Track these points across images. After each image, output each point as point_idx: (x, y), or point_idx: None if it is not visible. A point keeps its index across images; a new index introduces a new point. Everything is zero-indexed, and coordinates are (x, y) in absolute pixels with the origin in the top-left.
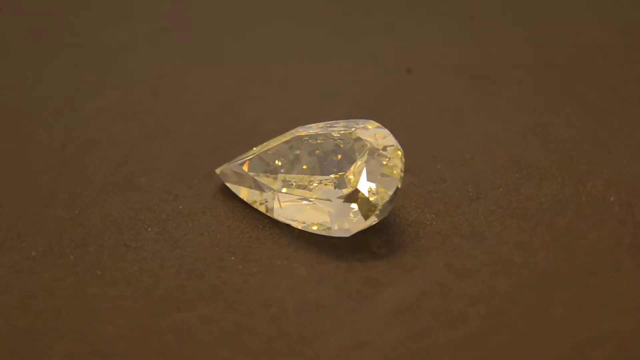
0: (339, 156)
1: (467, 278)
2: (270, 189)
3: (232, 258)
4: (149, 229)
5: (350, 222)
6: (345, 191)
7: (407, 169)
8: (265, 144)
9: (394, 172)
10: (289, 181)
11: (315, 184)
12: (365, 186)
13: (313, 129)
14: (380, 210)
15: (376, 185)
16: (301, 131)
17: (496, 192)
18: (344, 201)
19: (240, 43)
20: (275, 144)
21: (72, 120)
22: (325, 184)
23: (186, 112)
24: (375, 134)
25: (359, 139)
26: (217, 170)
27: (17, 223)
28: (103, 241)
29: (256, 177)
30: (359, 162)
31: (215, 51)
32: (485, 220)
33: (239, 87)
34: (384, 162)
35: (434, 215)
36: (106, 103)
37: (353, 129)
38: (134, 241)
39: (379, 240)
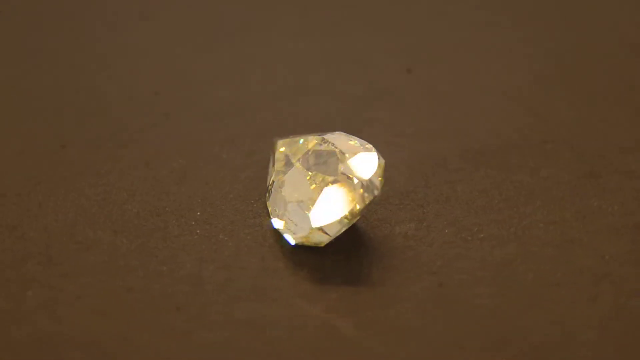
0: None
1: None
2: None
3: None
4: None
5: (295, 237)
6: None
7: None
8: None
9: (350, 199)
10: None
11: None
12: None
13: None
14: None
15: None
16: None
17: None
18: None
19: (239, 43)
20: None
21: (72, 120)
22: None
23: (187, 112)
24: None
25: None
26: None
27: (18, 224)
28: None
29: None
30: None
31: (215, 52)
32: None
33: (238, 86)
34: (345, 190)
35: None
36: (106, 103)
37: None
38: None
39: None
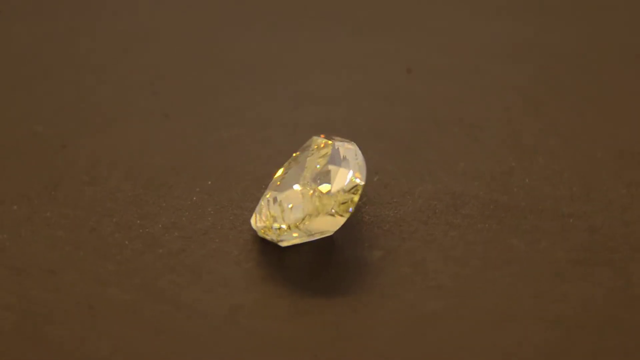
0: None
1: None
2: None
3: None
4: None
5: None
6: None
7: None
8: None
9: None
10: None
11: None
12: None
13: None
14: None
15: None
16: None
17: None
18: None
19: (236, 42)
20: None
21: (72, 120)
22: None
23: (187, 111)
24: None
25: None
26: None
27: (17, 224)
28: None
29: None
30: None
31: (213, 52)
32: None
33: (236, 87)
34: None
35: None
36: (107, 103)
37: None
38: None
39: None
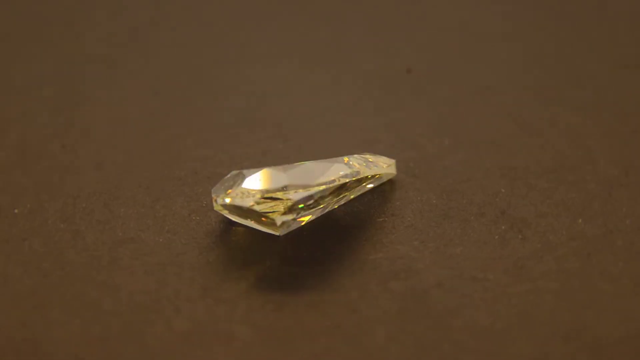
0: None
1: None
2: None
3: None
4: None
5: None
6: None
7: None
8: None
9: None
10: None
11: None
12: None
13: None
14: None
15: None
16: None
17: None
18: None
19: (234, 42)
20: None
21: (72, 120)
22: None
23: (187, 109)
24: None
25: None
26: None
27: (16, 223)
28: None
29: None
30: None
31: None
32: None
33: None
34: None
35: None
36: (107, 103)
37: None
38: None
39: None
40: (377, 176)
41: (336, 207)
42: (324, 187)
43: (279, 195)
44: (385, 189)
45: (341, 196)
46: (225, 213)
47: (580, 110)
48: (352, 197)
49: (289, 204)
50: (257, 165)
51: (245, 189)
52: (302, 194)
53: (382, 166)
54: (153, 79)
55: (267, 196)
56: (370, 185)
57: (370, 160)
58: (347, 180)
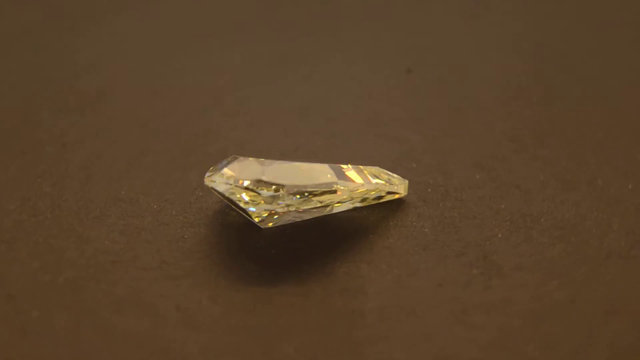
0: None
1: None
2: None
3: None
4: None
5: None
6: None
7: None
8: None
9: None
10: None
11: None
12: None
13: None
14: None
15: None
16: None
17: None
18: None
19: (233, 41)
20: None
21: (72, 120)
22: None
23: (188, 109)
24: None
25: None
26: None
27: (15, 225)
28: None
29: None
30: None
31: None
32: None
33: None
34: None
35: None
36: (107, 103)
37: None
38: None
39: None
40: (381, 192)
41: (334, 211)
42: (295, 189)
43: (249, 186)
44: (391, 206)
45: (328, 203)
46: (216, 194)
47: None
48: (353, 205)
49: (261, 198)
50: (280, 157)
51: (222, 174)
52: (271, 192)
53: (391, 184)
54: None
55: (239, 185)
56: (376, 196)
57: (383, 175)
58: (332, 189)
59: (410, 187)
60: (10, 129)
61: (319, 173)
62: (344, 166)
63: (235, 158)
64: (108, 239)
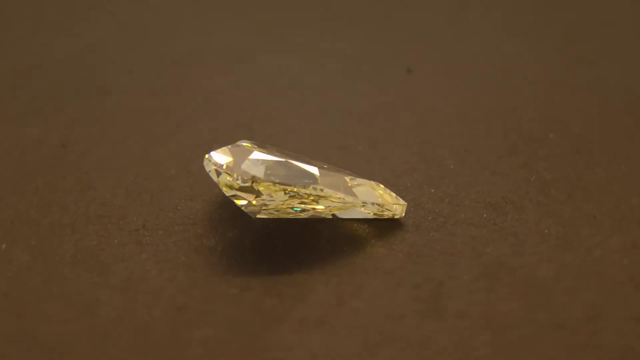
0: None
1: None
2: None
3: None
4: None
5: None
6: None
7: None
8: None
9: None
10: None
11: None
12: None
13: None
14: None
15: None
16: None
17: None
18: None
19: (232, 39)
20: None
21: (72, 120)
22: None
23: (188, 109)
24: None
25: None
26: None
27: (13, 225)
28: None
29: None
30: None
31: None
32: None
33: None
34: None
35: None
36: (106, 103)
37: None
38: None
39: None
40: (374, 207)
41: (330, 215)
42: (274, 185)
43: (227, 170)
44: (385, 224)
45: (308, 203)
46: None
47: None
48: (339, 211)
49: (239, 185)
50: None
51: (213, 157)
52: (246, 183)
53: (379, 205)
54: None
55: (221, 169)
56: (368, 212)
57: (379, 192)
58: (308, 190)
59: (413, 210)
60: (11, 129)
61: (303, 173)
62: (347, 177)
63: (236, 144)
64: (108, 238)
